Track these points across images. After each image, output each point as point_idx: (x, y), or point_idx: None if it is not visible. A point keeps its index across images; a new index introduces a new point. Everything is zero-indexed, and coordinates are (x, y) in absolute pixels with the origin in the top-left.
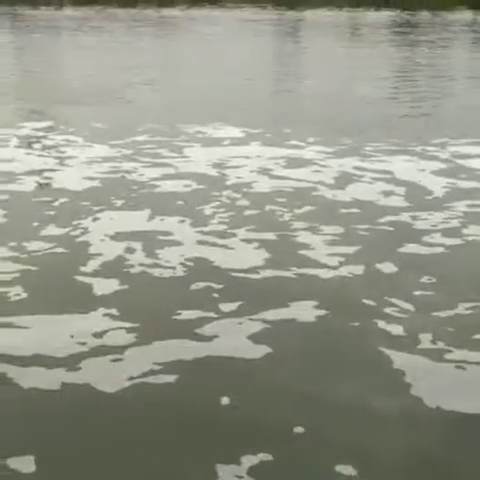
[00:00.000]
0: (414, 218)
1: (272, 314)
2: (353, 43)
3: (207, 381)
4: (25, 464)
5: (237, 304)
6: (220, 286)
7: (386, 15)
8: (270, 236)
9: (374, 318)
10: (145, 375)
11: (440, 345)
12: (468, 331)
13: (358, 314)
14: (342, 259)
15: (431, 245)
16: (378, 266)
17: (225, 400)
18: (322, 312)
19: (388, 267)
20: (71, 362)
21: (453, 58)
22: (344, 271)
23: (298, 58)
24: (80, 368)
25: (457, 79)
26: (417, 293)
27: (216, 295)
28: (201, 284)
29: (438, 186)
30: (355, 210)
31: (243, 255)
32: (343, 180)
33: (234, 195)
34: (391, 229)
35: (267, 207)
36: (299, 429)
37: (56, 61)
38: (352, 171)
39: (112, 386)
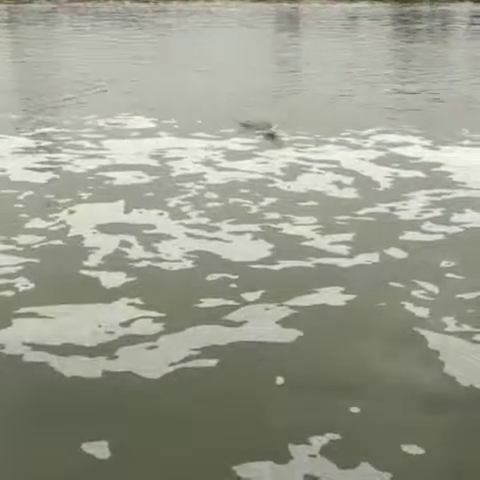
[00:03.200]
0: (388, 208)
1: (298, 300)
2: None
3: (248, 364)
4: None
5: (259, 293)
6: (236, 276)
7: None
8: (256, 228)
9: (401, 300)
10: (185, 360)
11: (466, 327)
12: None
13: (384, 297)
14: (349, 247)
15: (428, 232)
16: (388, 252)
17: (279, 381)
18: (349, 297)
19: (399, 253)
20: (106, 350)
21: (436, 51)
22: (360, 259)
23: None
24: (117, 356)
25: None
26: (437, 276)
27: (235, 285)
28: (216, 275)
29: (382, 175)
30: (318, 201)
31: (243, 247)
32: (291, 171)
33: (195, 186)
34: (371, 219)
35: (232, 199)
36: (354, 409)
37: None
38: (297, 162)
39: (155, 372)
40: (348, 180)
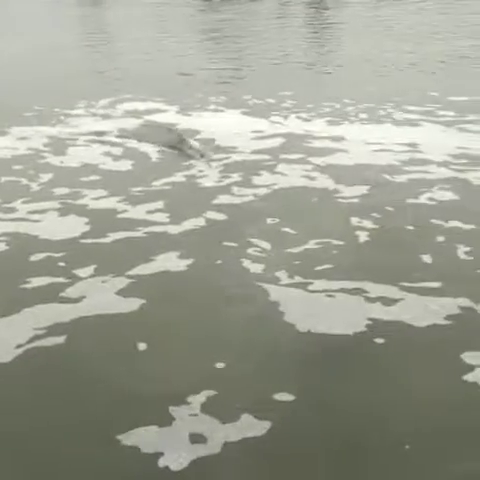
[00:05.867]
0: (182, 176)
1: (135, 270)
2: None
3: (99, 336)
4: None
5: (92, 267)
6: (61, 254)
7: None
8: (55, 205)
9: (236, 258)
10: (33, 340)
11: (298, 278)
12: (319, 263)
13: (219, 257)
14: (167, 214)
15: (238, 195)
16: (209, 216)
17: (141, 346)
18: (186, 261)
19: (219, 216)
20: None
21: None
22: (185, 224)
23: None
24: None
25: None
26: (264, 233)
27: (63, 263)
28: (39, 255)
29: (150, 144)
30: (100, 174)
31: (56, 225)
32: (56, 145)
33: None
34: (168, 188)
35: (5, 178)
36: (219, 365)
37: None
38: (58, 135)
39: (4, 356)
40: (117, 151)
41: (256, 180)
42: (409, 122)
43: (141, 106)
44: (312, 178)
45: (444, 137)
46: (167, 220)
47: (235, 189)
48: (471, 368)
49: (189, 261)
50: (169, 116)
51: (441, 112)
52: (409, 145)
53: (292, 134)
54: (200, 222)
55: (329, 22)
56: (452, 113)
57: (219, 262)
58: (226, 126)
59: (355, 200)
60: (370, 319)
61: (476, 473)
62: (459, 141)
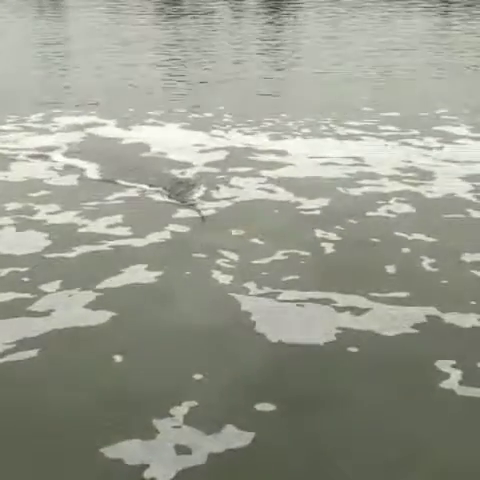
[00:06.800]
0: (137, 191)
1: (105, 283)
2: None
3: (71, 348)
4: None
5: (58, 282)
6: (25, 269)
7: None
8: (8, 220)
9: (205, 270)
10: (4, 355)
11: (267, 289)
12: (287, 274)
13: (189, 269)
14: (129, 228)
15: (203, 209)
16: (173, 229)
17: (116, 358)
18: (156, 273)
19: (183, 228)
20: None
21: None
22: (150, 237)
23: None
24: None
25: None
26: (232, 246)
27: (27, 278)
28: (3, 270)
29: (95, 156)
30: (48, 189)
31: (16, 240)
32: None
33: None
34: (123, 202)
35: None
36: (197, 376)
37: None
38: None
39: None
40: (59, 165)
41: (215, 194)
42: (351, 137)
43: (79, 120)
44: (270, 191)
45: (387, 151)
46: (130, 233)
47: (198, 203)
48: (442, 375)
49: (158, 273)
50: (108, 130)
51: (381, 127)
52: (354, 158)
53: (236, 148)
54: (164, 235)
55: (281, 37)
56: (392, 128)
57: (187, 273)
58: (168, 140)
59: (317, 212)
60: (339, 328)
61: None
62: (403, 155)
